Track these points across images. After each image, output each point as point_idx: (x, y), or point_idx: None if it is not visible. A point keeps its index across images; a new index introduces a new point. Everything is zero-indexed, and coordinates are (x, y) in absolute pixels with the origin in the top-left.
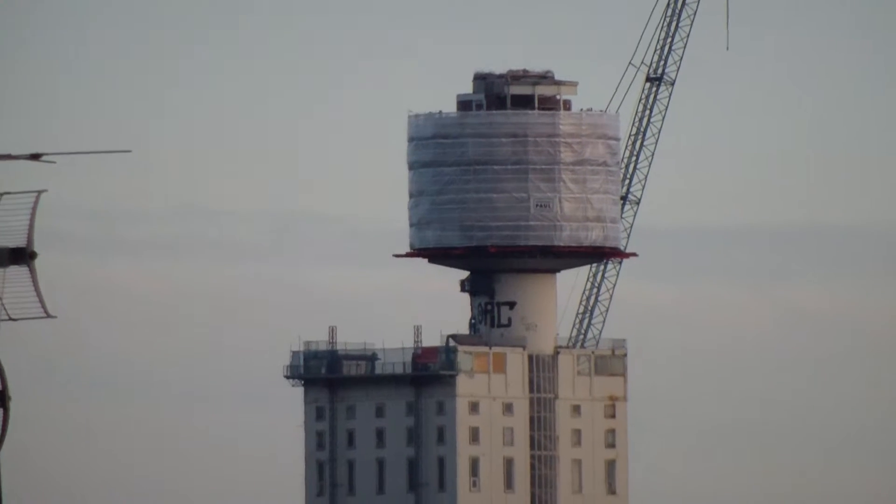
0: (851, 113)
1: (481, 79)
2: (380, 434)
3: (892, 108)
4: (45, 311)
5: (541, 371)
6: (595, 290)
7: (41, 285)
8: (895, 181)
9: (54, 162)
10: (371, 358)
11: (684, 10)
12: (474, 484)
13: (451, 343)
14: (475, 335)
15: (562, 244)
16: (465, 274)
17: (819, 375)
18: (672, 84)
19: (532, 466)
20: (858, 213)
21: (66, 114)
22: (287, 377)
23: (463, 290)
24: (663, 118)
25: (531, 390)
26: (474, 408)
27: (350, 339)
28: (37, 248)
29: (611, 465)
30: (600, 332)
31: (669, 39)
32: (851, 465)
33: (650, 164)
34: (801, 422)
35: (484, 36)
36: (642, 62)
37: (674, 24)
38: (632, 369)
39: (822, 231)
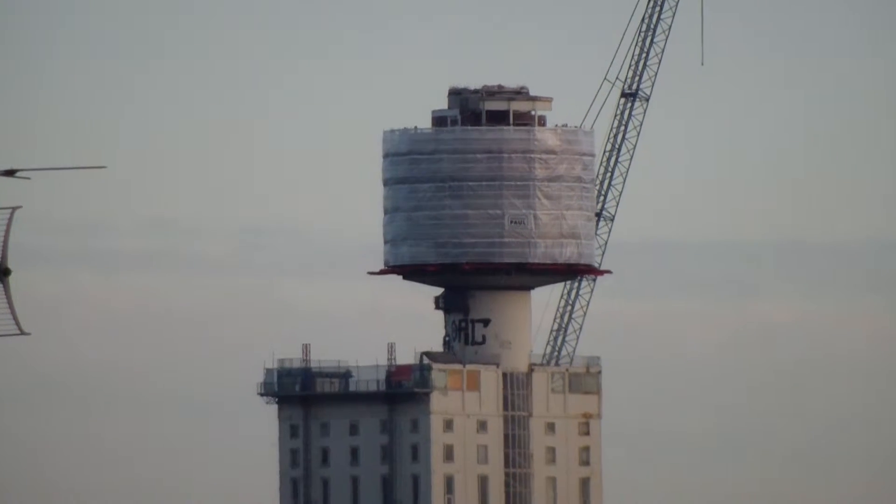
0: (826, 131)
1: (456, 94)
2: (354, 452)
3: (868, 127)
4: (19, 328)
5: (515, 389)
6: (569, 308)
7: (15, 302)
8: (866, 200)
9: (29, 178)
10: (345, 375)
11: (659, 26)
12: (449, 502)
13: (425, 360)
14: (449, 352)
15: (536, 261)
16: (439, 291)
17: (793, 389)
18: (647, 100)
19: (507, 484)
20: (830, 231)
21: (41, 130)
22: (261, 394)
23: (437, 307)
24: (638, 134)
25: (505, 408)
26: (448, 425)
27: (324, 356)
28: (11, 264)
29: (585, 483)
30: (574, 349)
31: (644, 55)
32: (828, 477)
33: (625, 180)
34: (777, 436)
35: (459, 51)
36: (617, 78)
37: (648, 39)
38: (606, 387)
39: (795, 247)
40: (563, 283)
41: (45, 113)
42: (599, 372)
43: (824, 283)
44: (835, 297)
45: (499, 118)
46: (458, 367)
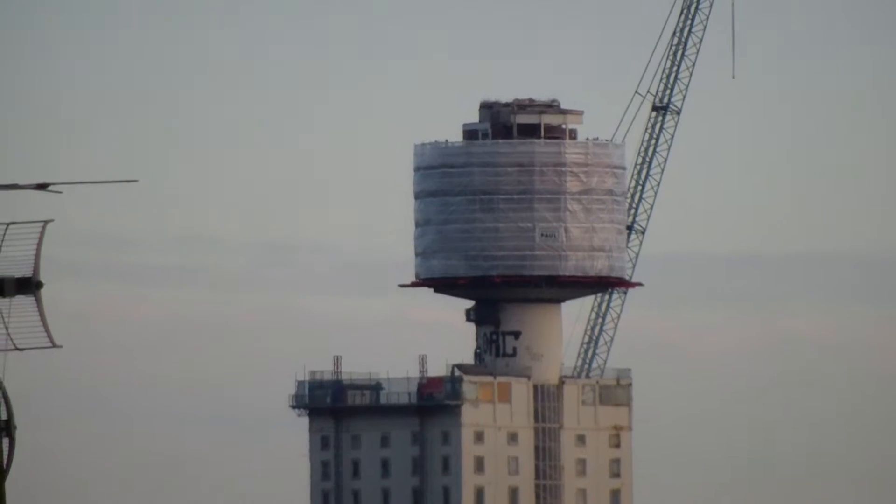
0: (858, 143)
1: (487, 107)
2: (385, 464)
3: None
4: (52, 341)
5: (546, 401)
6: (600, 320)
7: (47, 315)
8: None
9: (60, 192)
10: (376, 387)
11: (690, 39)
12: None
13: (457, 373)
14: (480, 365)
15: (567, 274)
16: (470, 303)
17: (825, 404)
18: (678, 113)
19: (537, 496)
20: (863, 242)
21: (72, 143)
22: (292, 407)
23: (468, 319)
24: (669, 147)
25: (536, 420)
26: (479, 437)
27: (355, 368)
28: (43, 277)
29: (615, 495)
30: (605, 361)
31: (675, 68)
32: (865, 490)
33: (656, 193)
34: (807, 450)
35: (490, 65)
36: (648, 91)
37: (679, 52)
38: (637, 399)
39: (828, 259)
40: (593, 296)
41: (77, 127)
42: (630, 384)
43: (860, 295)
44: (871, 310)
45: (530, 131)
46: (488, 379)
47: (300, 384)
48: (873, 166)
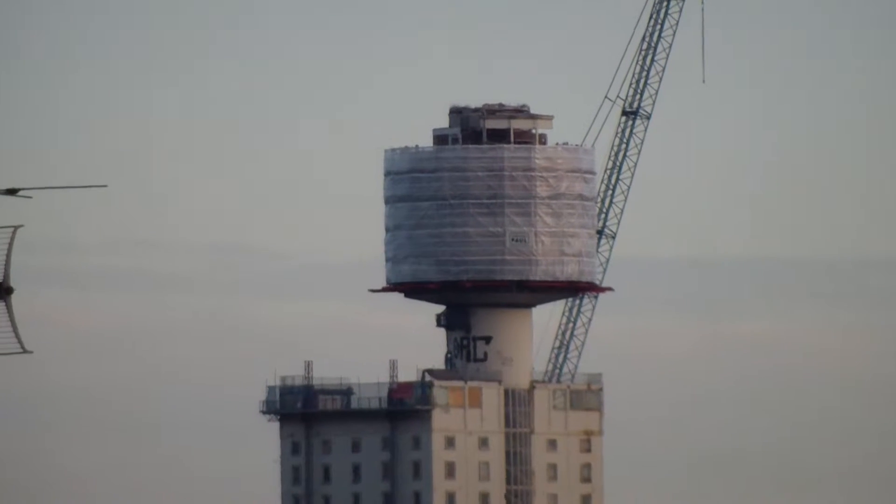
0: (827, 147)
1: (457, 112)
2: (356, 469)
3: (870, 143)
4: (22, 347)
5: (516, 405)
6: (571, 325)
7: (17, 320)
8: (869, 216)
9: (31, 197)
10: (347, 392)
11: (660, 44)
12: None
13: (427, 378)
14: (451, 370)
15: (537, 279)
16: (441, 308)
17: (796, 409)
18: (648, 118)
19: (508, 501)
20: (839, 247)
21: (43, 148)
22: (263, 412)
23: (439, 324)
24: (639, 152)
25: (507, 425)
26: (450, 442)
27: (326, 373)
28: (13, 283)
29: (586, 500)
30: (576, 366)
31: (645, 73)
32: (827, 493)
33: (626, 197)
34: (778, 454)
35: (460, 70)
36: (618, 96)
37: (649, 57)
38: (607, 404)
39: (799, 263)
40: (564, 301)
41: (47, 132)
42: (601, 389)
43: (827, 299)
44: (836, 314)
45: (499, 136)
46: (459, 384)
47: (271, 389)
48: (845, 168)
